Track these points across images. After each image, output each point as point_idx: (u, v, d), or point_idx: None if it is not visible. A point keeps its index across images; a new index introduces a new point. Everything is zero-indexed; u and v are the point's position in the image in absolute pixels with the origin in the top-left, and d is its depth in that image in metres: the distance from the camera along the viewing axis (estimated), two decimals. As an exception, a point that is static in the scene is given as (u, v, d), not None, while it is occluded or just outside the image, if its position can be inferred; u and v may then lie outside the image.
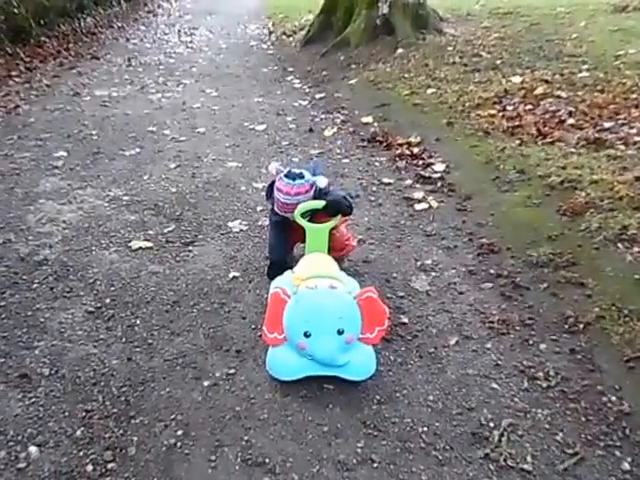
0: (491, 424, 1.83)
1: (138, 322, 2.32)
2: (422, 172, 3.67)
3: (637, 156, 3.44)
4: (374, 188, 3.54)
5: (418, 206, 3.28)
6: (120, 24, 9.79)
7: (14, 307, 2.40)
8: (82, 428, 1.81)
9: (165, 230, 3.05)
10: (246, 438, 1.78)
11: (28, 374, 2.02)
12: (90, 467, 1.68)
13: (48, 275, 2.63)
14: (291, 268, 2.30)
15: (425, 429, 1.82)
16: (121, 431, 1.80)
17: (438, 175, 3.62)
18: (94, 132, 4.59)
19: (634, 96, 4.36)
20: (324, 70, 6.49)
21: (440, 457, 1.72)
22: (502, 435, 1.78)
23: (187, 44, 8.60)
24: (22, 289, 2.52)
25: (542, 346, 2.16)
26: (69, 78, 6.35)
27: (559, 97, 4.54)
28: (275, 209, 2.48)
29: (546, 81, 4.92)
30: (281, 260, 2.52)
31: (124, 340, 2.22)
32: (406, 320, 2.32)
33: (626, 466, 1.68)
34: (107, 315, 2.36)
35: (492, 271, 2.62)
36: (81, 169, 3.86)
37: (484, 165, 3.67)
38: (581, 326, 2.22)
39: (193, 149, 4.24)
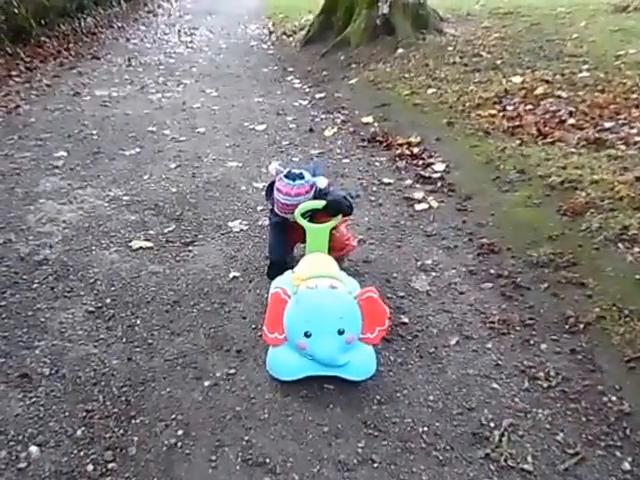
0: (492, 424, 1.83)
1: (138, 322, 2.32)
2: (422, 172, 3.67)
3: (637, 156, 3.44)
4: (374, 188, 3.54)
5: (418, 206, 3.28)
6: (120, 24, 9.80)
7: (14, 307, 2.40)
8: (83, 428, 1.81)
9: (165, 230, 3.05)
10: (246, 438, 1.78)
11: (29, 374, 2.02)
12: (91, 467, 1.68)
13: (48, 275, 2.63)
14: (291, 268, 2.30)
15: (425, 429, 1.82)
16: (121, 431, 1.80)
17: (438, 175, 3.62)
18: (94, 132, 4.59)
19: (634, 96, 4.36)
20: (324, 70, 6.49)
21: (441, 457, 1.72)
22: (503, 435, 1.78)
23: (187, 44, 8.61)
24: (22, 289, 2.52)
25: (543, 346, 2.16)
26: (69, 78, 6.35)
27: (559, 97, 4.54)
28: (275, 210, 2.47)
29: (546, 81, 4.91)
30: (281, 260, 2.52)
31: (124, 340, 2.22)
32: (406, 320, 2.32)
33: (627, 466, 1.68)
34: (107, 315, 2.36)
35: (492, 271, 2.62)
36: (81, 169, 3.86)
37: (484, 165, 3.67)
38: (582, 326, 2.22)
39: (193, 149, 4.24)
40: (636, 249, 2.59)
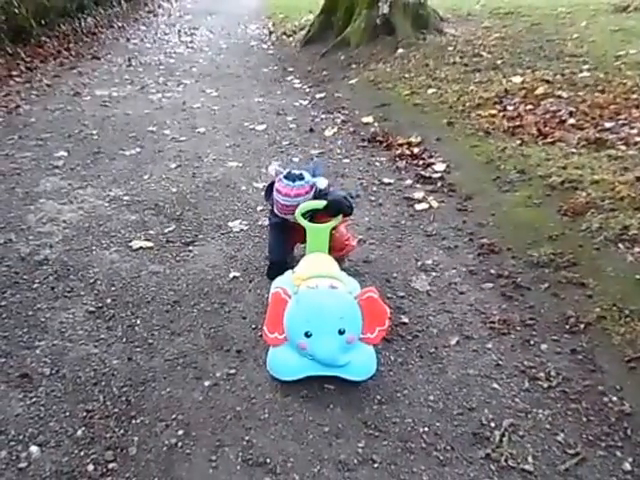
0: (492, 424, 1.82)
1: (139, 322, 2.32)
2: (422, 172, 3.67)
3: (638, 156, 3.43)
4: (374, 188, 3.54)
5: (418, 206, 3.27)
6: (120, 24, 9.80)
7: (15, 307, 2.40)
8: (83, 428, 1.81)
9: (165, 230, 3.05)
10: (247, 438, 1.78)
11: (29, 374, 2.02)
12: (91, 467, 1.68)
13: (49, 275, 2.63)
14: (291, 268, 2.30)
15: (426, 429, 1.81)
16: (122, 431, 1.80)
17: (438, 175, 3.62)
18: (94, 132, 4.59)
19: (635, 96, 4.36)
20: (324, 70, 6.49)
21: (441, 457, 1.72)
22: (503, 435, 1.78)
23: (187, 44, 8.61)
24: (23, 289, 2.52)
25: (543, 346, 2.15)
26: (70, 78, 6.35)
27: (560, 97, 4.54)
28: (275, 211, 2.47)
29: (547, 81, 4.91)
30: (281, 261, 2.52)
31: (125, 340, 2.22)
32: (407, 320, 2.32)
33: (627, 466, 1.68)
34: (108, 315, 2.36)
35: (493, 271, 2.62)
36: (81, 169, 3.86)
37: (485, 165, 3.67)
38: (582, 326, 2.22)
39: (193, 149, 4.24)
40: (636, 249, 2.59)
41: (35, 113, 5.05)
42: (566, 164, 3.43)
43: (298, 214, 2.35)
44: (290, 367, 1.98)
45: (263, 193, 2.64)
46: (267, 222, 2.78)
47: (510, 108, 4.47)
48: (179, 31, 9.67)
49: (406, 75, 5.61)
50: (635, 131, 3.79)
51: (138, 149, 4.25)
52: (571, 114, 4.19)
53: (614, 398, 1.90)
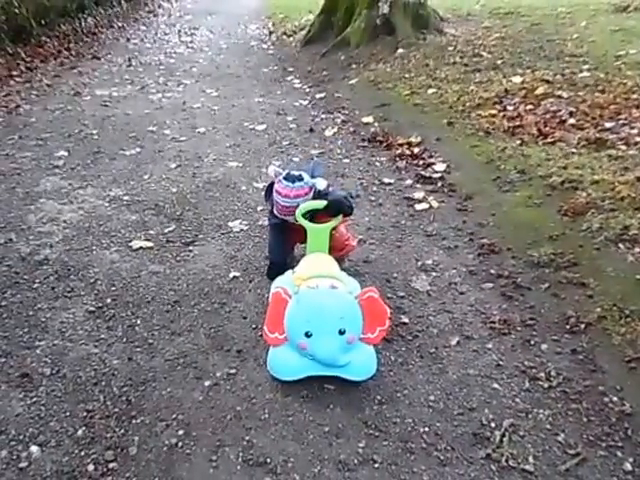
0: (492, 424, 1.82)
1: (139, 322, 2.32)
2: (422, 172, 3.67)
3: (638, 156, 3.43)
4: (374, 188, 3.54)
5: (418, 206, 3.27)
6: (121, 24, 9.80)
7: (15, 307, 2.40)
8: (83, 428, 1.81)
9: (166, 230, 3.05)
10: (247, 438, 1.78)
11: (29, 374, 2.02)
12: (91, 467, 1.68)
13: (49, 275, 2.63)
14: (291, 268, 2.30)
15: (426, 429, 1.81)
16: (122, 431, 1.80)
17: (439, 175, 3.62)
18: (95, 132, 4.59)
19: (635, 96, 4.36)
20: (324, 70, 6.49)
21: (441, 457, 1.72)
22: (503, 435, 1.78)
23: (187, 44, 8.61)
24: (23, 289, 2.52)
25: (543, 346, 2.16)
26: (70, 78, 6.35)
27: (560, 97, 4.54)
28: (274, 212, 2.47)
29: (547, 81, 4.91)
30: (281, 261, 2.52)
31: (125, 340, 2.22)
32: (407, 320, 2.32)
33: (628, 467, 1.68)
34: (108, 315, 2.36)
35: (493, 271, 2.62)
36: (82, 169, 3.86)
37: (485, 165, 3.67)
38: (582, 326, 2.22)
39: (193, 149, 4.24)
40: (637, 249, 2.59)
41: (35, 113, 5.05)
42: (566, 164, 3.43)
43: (298, 214, 2.35)
44: (290, 367, 1.98)
45: (263, 194, 2.64)
46: (267, 222, 2.78)
47: (510, 108, 4.47)
48: (179, 31, 9.68)
49: (406, 75, 5.61)
50: (635, 131, 3.79)
51: (138, 149, 4.25)
52: (571, 114, 4.19)
53: (614, 398, 1.90)
